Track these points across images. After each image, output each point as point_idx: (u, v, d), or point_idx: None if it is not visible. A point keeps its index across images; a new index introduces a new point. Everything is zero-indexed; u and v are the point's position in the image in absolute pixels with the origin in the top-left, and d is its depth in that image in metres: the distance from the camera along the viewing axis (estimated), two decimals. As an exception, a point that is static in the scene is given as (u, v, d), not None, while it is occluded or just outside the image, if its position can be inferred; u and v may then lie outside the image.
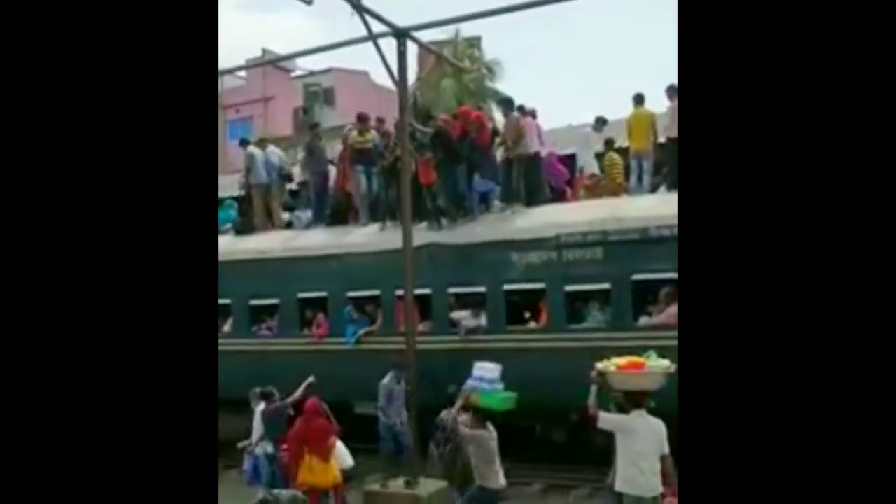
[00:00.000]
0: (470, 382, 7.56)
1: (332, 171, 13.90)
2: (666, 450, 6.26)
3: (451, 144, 11.78)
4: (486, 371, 7.57)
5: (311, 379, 9.87)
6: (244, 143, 15.14)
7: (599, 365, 6.55)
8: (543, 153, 12.66)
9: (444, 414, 8.22)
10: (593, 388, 6.57)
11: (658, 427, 6.31)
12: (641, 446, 6.21)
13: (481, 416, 7.37)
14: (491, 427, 7.39)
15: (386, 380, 10.52)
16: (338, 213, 13.56)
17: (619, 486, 6.29)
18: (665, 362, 6.40)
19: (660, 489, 6.18)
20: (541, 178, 12.06)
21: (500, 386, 7.60)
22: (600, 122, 13.31)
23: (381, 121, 13.52)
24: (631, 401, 6.46)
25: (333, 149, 14.34)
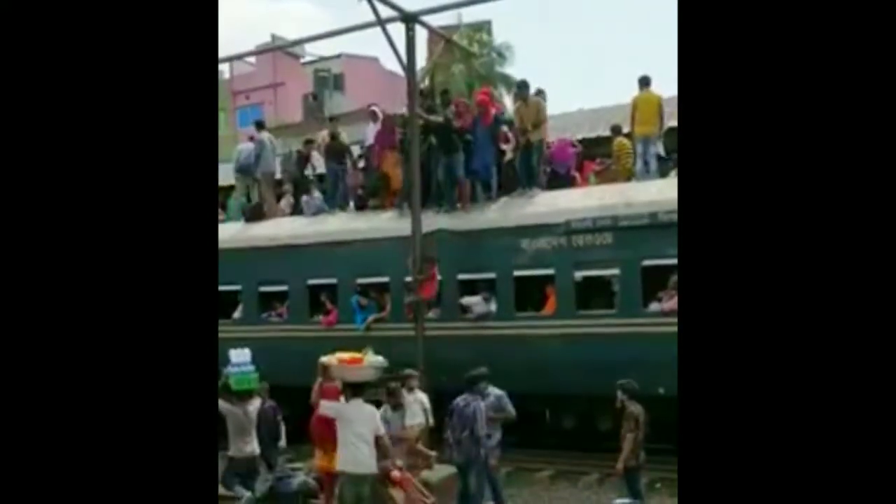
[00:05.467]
0: (229, 368, 8.58)
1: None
2: (381, 431, 7.28)
3: (450, 134, 11.72)
4: (240, 357, 8.71)
5: None
6: (259, 126, 15.17)
7: (323, 358, 7.65)
8: (553, 138, 12.61)
9: (458, 399, 8.27)
10: (318, 380, 7.68)
11: (372, 412, 7.34)
12: (359, 431, 7.13)
13: (236, 394, 8.55)
14: (251, 405, 8.69)
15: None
16: (374, 194, 13.33)
17: (340, 466, 7.21)
18: (379, 358, 7.63)
19: (375, 466, 7.19)
20: (533, 164, 11.95)
21: (251, 368, 8.81)
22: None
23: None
24: (350, 390, 7.45)
25: (360, 133, 14.32)
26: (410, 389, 8.72)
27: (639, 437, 7.93)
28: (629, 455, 7.91)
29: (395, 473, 7.58)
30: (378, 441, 7.22)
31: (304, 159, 14.55)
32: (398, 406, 8.44)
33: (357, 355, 7.69)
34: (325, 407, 7.48)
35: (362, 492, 7.03)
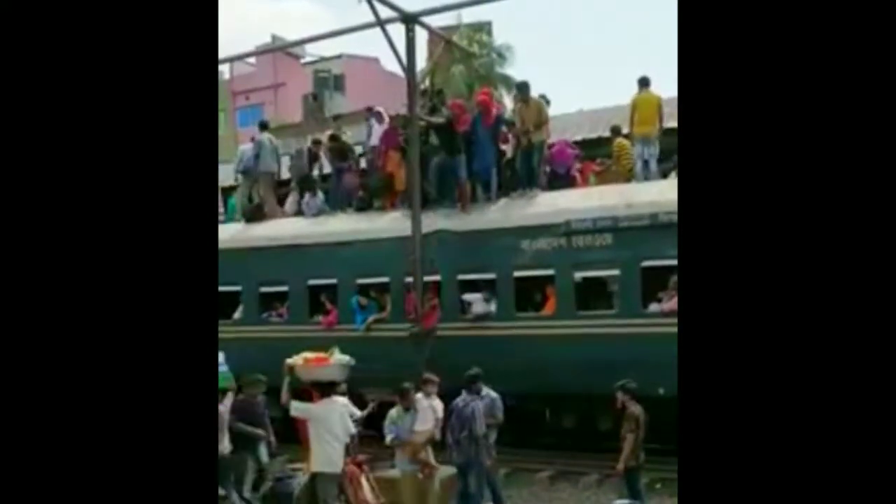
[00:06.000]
0: None
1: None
2: (352, 431, 7.52)
3: (453, 136, 11.74)
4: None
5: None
6: (263, 126, 15.16)
7: (289, 359, 7.70)
8: (553, 139, 12.61)
9: (457, 400, 8.26)
10: (286, 380, 7.66)
11: (343, 412, 7.50)
12: (334, 430, 7.26)
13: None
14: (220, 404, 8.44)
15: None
16: (378, 194, 13.30)
17: (317, 467, 7.27)
18: (345, 357, 7.72)
19: (341, 466, 7.38)
20: (534, 165, 11.95)
21: (226, 368, 8.80)
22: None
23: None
24: (319, 390, 7.58)
25: (361, 133, 14.30)
26: (427, 395, 8.38)
27: (639, 437, 7.94)
28: (630, 455, 7.92)
29: (350, 467, 7.74)
30: (351, 440, 7.40)
31: (313, 158, 14.52)
32: (408, 409, 8.17)
33: (323, 355, 7.76)
34: (295, 408, 7.48)
35: (331, 490, 7.19)
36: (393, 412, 8.34)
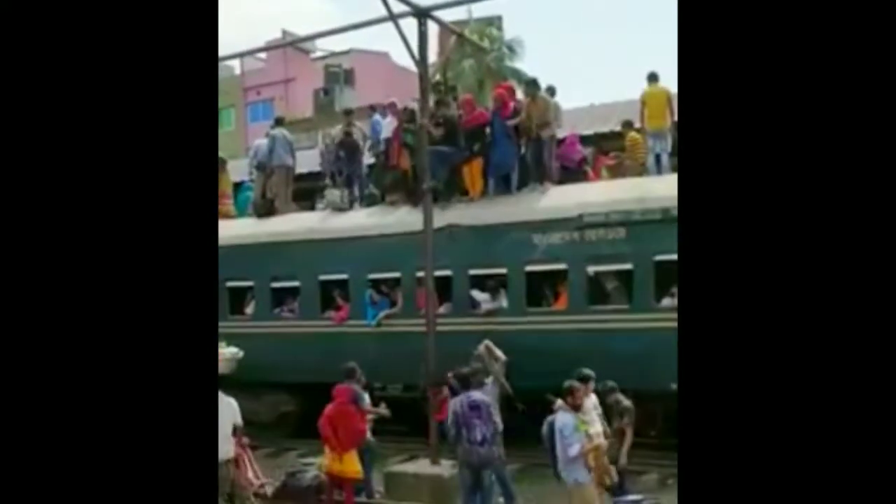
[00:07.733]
0: None
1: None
2: (239, 421, 8.00)
3: (456, 135, 11.73)
4: None
5: None
6: (278, 122, 15.16)
7: None
8: (563, 133, 12.57)
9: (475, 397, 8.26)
10: None
11: (230, 404, 7.90)
12: (220, 420, 7.35)
13: None
14: None
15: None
16: (392, 191, 13.16)
17: None
18: (232, 349, 8.24)
19: (232, 453, 7.95)
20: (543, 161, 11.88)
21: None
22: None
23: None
24: None
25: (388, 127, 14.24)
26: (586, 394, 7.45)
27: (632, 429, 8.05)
28: (629, 448, 8.00)
29: (236, 448, 8.12)
30: (236, 430, 7.91)
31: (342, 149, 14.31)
32: (577, 408, 7.00)
33: None
34: None
35: (222, 475, 7.40)
36: (570, 418, 6.91)
